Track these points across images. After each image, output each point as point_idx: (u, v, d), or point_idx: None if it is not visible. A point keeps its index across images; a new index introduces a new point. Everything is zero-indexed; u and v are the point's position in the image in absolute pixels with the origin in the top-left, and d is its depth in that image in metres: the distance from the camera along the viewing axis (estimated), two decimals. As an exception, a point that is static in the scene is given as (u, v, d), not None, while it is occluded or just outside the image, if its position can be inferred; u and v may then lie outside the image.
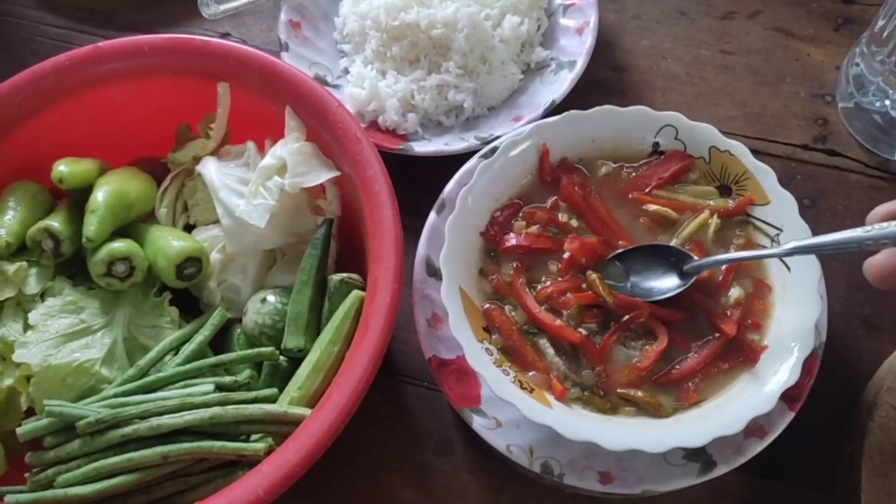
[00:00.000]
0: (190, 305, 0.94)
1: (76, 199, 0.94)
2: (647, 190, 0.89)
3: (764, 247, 0.85)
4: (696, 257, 0.83)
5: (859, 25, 1.13)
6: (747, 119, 1.09)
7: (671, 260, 0.84)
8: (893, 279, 0.70)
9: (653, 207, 0.87)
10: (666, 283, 0.84)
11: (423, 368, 0.86)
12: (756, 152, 1.01)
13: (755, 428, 0.79)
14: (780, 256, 0.80)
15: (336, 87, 1.12)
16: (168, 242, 0.89)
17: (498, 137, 0.98)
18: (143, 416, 0.77)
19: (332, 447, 0.74)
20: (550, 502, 0.89)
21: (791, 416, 0.80)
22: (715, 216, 0.86)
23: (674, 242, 0.86)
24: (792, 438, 0.80)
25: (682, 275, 0.83)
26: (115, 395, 0.81)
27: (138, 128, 0.99)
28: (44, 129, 0.95)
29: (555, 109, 1.00)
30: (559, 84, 1.05)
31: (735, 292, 0.83)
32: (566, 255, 0.85)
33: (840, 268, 0.98)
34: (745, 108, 1.09)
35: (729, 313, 0.82)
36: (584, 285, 0.84)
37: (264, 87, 0.93)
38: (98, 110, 0.96)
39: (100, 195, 0.89)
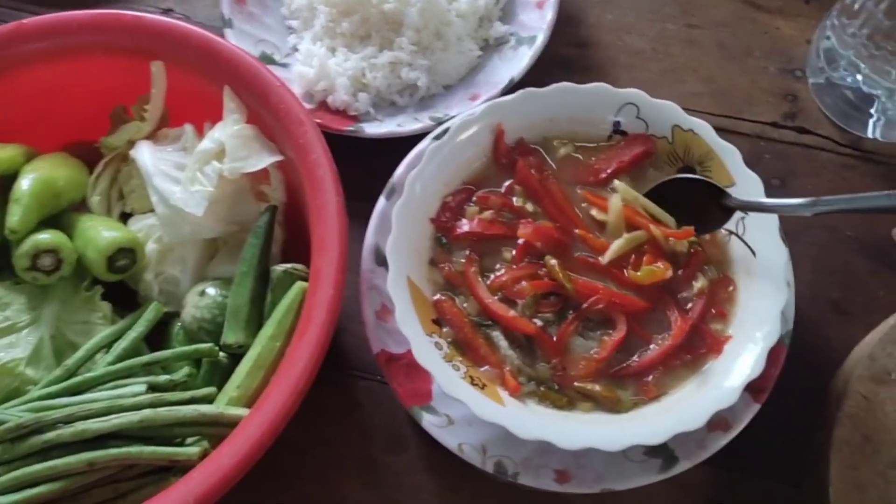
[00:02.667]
0: (128, 299, 0.89)
1: (2, 187, 0.87)
2: (605, 174, 0.84)
3: (730, 231, 0.81)
4: (732, 195, 0.79)
5: (831, -3, 1.09)
6: (714, 96, 1.04)
7: (705, 196, 0.80)
8: None
9: (594, 212, 0.83)
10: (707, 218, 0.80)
11: (374, 362, 0.81)
12: (723, 130, 0.97)
13: (719, 421, 0.75)
14: (809, 214, 0.75)
15: (285, 65, 1.06)
16: (98, 233, 0.83)
17: (453, 117, 0.93)
18: (68, 421, 0.72)
19: (280, 448, 0.70)
20: (508, 500, 0.85)
21: (756, 408, 0.76)
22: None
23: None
24: (758, 430, 0.77)
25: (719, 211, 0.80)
26: (40, 398, 0.76)
27: (70, 110, 0.93)
28: (-34, 113, 0.88)
29: (514, 88, 0.95)
30: (518, 61, 1.00)
31: (699, 281, 0.79)
32: (521, 242, 0.80)
33: (807, 250, 0.94)
34: (712, 84, 1.05)
35: (692, 303, 0.78)
36: (541, 271, 0.80)
37: (202, 66, 0.87)
38: (25, 92, 0.90)
39: (24, 183, 0.84)
